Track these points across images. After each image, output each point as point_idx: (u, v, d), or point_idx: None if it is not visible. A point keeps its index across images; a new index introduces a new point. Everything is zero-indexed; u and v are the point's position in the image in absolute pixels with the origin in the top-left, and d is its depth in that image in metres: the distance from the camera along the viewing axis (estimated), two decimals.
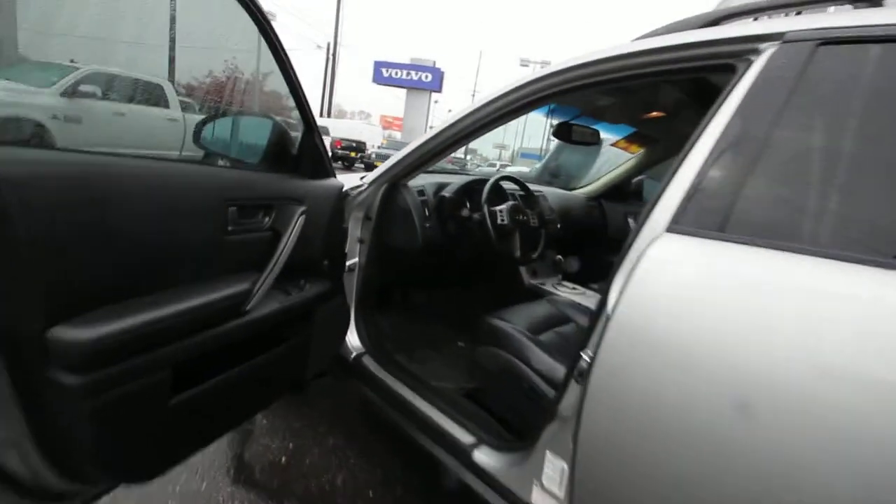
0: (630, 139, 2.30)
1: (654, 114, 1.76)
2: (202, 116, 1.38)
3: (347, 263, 1.68)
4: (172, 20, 1.82)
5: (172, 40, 1.98)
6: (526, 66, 25.65)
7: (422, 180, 1.78)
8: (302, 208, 1.23)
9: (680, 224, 0.83)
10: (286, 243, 1.18)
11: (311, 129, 1.30)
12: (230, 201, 1.04)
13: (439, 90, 24.32)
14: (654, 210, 0.85)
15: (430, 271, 1.98)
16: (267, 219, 1.18)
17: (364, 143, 16.45)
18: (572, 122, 1.93)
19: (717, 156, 0.86)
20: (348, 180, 1.69)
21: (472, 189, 1.87)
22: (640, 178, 2.58)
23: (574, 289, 2.02)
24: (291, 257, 1.20)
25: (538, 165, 8.36)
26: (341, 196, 1.49)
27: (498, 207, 1.71)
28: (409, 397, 1.52)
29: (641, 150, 2.38)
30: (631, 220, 2.54)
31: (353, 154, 15.53)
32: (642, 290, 0.79)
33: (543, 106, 1.34)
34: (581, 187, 2.76)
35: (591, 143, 2.03)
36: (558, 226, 2.20)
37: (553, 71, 1.21)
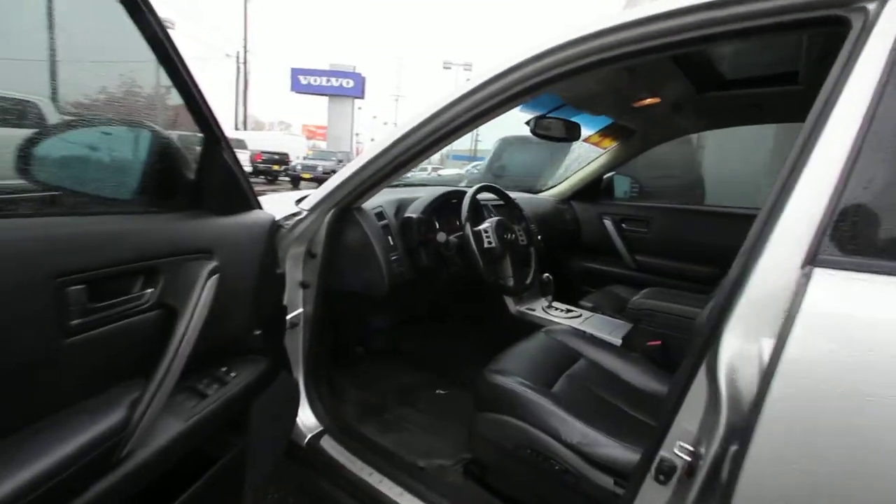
0: (604, 133, 2.04)
1: (648, 100, 1.49)
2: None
3: (288, 317, 1.24)
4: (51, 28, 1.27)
5: (53, 51, 1.40)
6: (448, 68, 25.72)
7: (377, 198, 1.38)
8: (211, 264, 0.79)
9: (830, 254, 0.59)
10: (188, 324, 0.74)
11: (218, 143, 0.86)
12: (68, 276, 0.58)
13: (362, 96, 23.67)
14: (773, 236, 0.64)
15: (398, 313, 1.57)
16: (150, 290, 0.72)
17: (287, 155, 15.45)
18: (550, 115, 1.62)
19: (871, 149, 0.58)
20: (279, 205, 1.25)
21: (442, 205, 1.49)
22: (609, 174, 2.35)
23: (569, 311, 1.71)
24: (202, 340, 0.76)
25: (479, 167, 8.15)
26: (272, 233, 1.05)
27: (482, 227, 1.35)
28: (386, 490, 1.12)
29: (613, 145, 2.14)
30: (608, 222, 2.30)
31: (275, 167, 14.50)
32: (815, 359, 0.55)
33: (537, 95, 0.99)
34: (547, 189, 2.48)
35: (571, 140, 1.74)
36: (539, 237, 1.89)
37: (565, 42, 0.87)
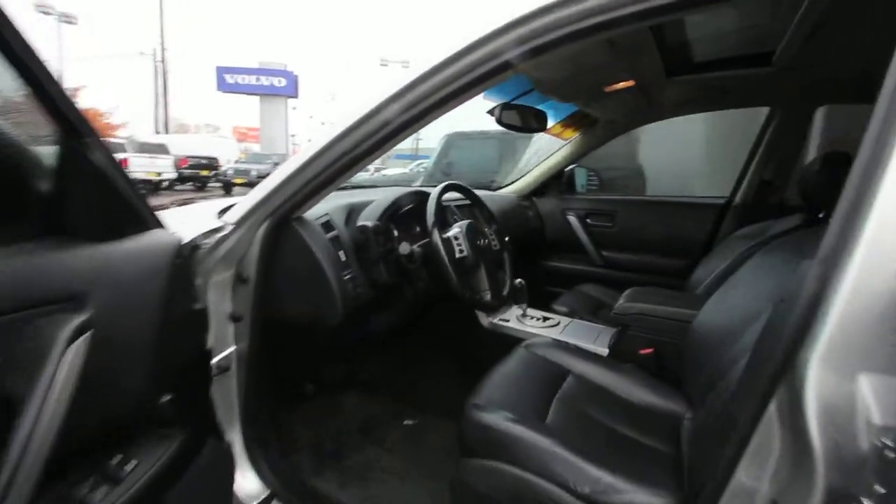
0: (566, 123, 1.91)
1: (621, 84, 1.36)
2: None
3: (216, 361, 0.98)
4: None
5: None
6: (385, 65, 25.21)
7: (322, 205, 1.14)
8: (77, 319, 0.53)
9: None
10: (39, 415, 0.48)
11: (80, 139, 0.59)
12: None
13: (295, 95, 22.63)
14: (862, 239, 0.49)
15: (356, 338, 1.34)
16: None
17: (216, 159, 14.42)
18: (517, 102, 1.45)
19: None
20: (195, 220, 0.99)
21: (401, 209, 1.27)
22: (570, 167, 2.23)
23: (545, 319, 1.55)
24: (72, 431, 0.50)
25: (424, 165, 7.92)
26: (182, 256, 0.79)
27: (451, 233, 1.14)
28: None
29: (575, 135, 2.01)
30: (572, 218, 2.18)
31: (204, 172, 13.46)
32: None
33: (503, 78, 0.80)
34: (506, 185, 2.32)
35: (538, 130, 1.58)
36: (507, 239, 1.72)
37: (535, 10, 0.69)
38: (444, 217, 1.34)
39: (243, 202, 0.96)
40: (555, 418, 1.04)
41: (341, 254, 1.06)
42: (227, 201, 1.13)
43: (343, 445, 1.43)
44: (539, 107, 1.53)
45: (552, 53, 0.73)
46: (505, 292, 1.29)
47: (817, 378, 0.49)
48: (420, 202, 1.32)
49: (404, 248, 1.13)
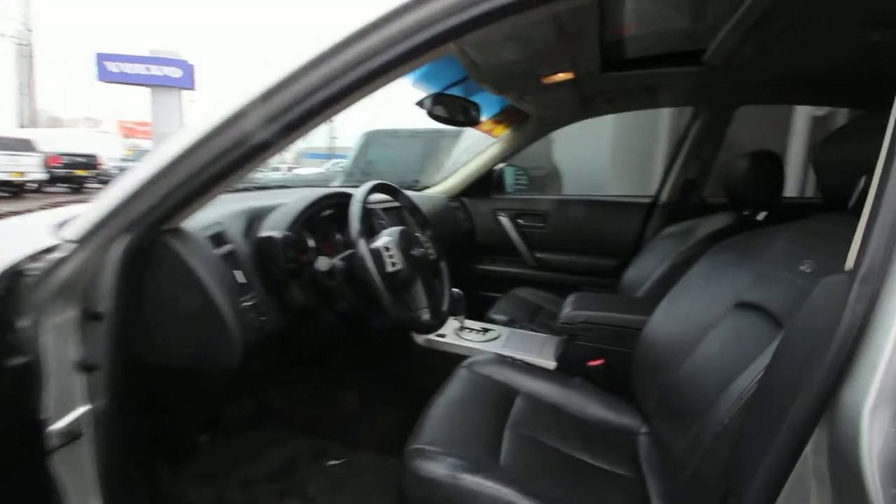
0: (497, 119, 1.80)
1: (560, 75, 1.26)
2: None
3: (58, 427, 0.71)
4: None
5: None
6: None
7: (212, 211, 0.89)
8: None
9: None
10: None
11: None
12: None
13: (192, 87, 20.60)
14: None
15: (262, 372, 1.09)
16: None
17: (95, 157, 12.63)
18: (448, 92, 1.29)
19: None
20: (20, 236, 0.71)
21: (317, 214, 1.06)
22: (500, 166, 2.13)
23: (484, 331, 1.42)
24: None
25: (341, 165, 7.50)
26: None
27: (380, 242, 0.95)
28: None
29: (506, 132, 1.91)
30: (504, 219, 2.08)
31: (80, 172, 11.72)
32: None
33: (438, 54, 0.64)
34: (433, 185, 2.17)
35: (470, 124, 1.43)
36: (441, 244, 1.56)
37: None
38: (371, 223, 1.14)
39: (88, 211, 0.69)
40: (509, 454, 0.90)
41: (238, 274, 0.82)
42: (70, 211, 0.84)
43: (253, 499, 1.18)
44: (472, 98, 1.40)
45: (494, 38, 0.57)
46: (445, 307, 1.13)
47: (877, 424, 0.39)
48: (340, 206, 1.11)
49: (322, 263, 0.92)
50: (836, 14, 0.92)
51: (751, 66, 1.26)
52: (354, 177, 4.77)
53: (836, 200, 0.83)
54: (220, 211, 0.90)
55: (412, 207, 1.21)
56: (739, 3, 0.99)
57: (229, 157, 0.66)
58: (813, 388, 0.43)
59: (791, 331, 0.55)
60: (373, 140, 4.86)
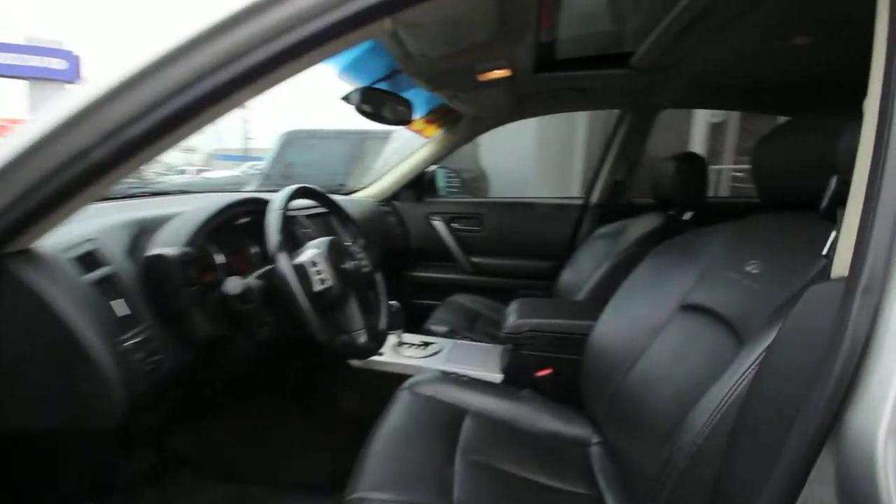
0: (429, 118, 1.70)
1: (496, 72, 1.19)
2: None
3: None
4: None
5: None
6: None
7: (79, 226, 0.69)
8: None
9: None
10: None
11: None
12: None
13: (77, 80, 18.25)
14: None
15: (161, 418, 0.90)
16: None
17: None
18: (377, 87, 1.17)
19: None
20: None
21: (225, 224, 0.89)
22: (431, 168, 2.05)
23: (424, 345, 1.32)
24: None
25: (258, 167, 6.97)
26: None
27: (305, 256, 0.81)
28: None
29: (438, 133, 1.83)
30: (437, 223, 1.99)
31: None
32: None
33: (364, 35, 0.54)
34: (362, 189, 2.02)
35: (402, 122, 1.33)
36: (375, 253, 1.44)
37: None
38: (293, 233, 0.99)
39: None
40: (463, 488, 0.81)
41: (119, 304, 0.64)
42: None
43: None
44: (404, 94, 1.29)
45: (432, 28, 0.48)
46: (383, 326, 1.01)
47: (893, 450, 0.34)
48: (256, 214, 0.95)
49: (233, 284, 0.76)
50: (761, 20, 0.95)
51: (676, 69, 1.30)
52: (273, 180, 4.44)
53: (774, 201, 0.85)
54: (92, 225, 0.71)
55: (341, 214, 1.08)
56: (670, 8, 0.99)
57: (96, 154, 0.50)
58: (815, 411, 0.39)
59: (777, 344, 0.51)
60: (293, 140, 4.55)
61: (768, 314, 0.63)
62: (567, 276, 1.73)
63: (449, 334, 1.46)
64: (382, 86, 1.20)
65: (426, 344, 1.33)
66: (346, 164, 4.21)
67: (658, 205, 1.53)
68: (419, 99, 1.52)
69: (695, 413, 0.61)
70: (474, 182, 4.18)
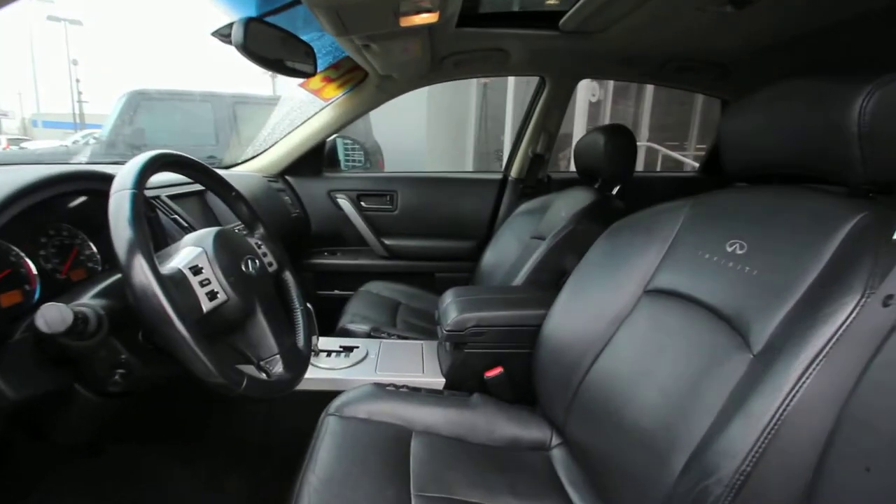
0: (330, 76, 1.41)
1: (422, 16, 0.97)
2: None
3: None
4: None
5: None
6: (57, 21, 17.16)
7: None
8: None
9: None
10: None
11: None
12: None
13: None
14: None
15: None
16: None
17: None
18: (268, 21, 0.88)
19: None
20: None
21: (43, 211, 0.56)
22: (332, 138, 1.75)
23: (348, 350, 1.09)
24: None
25: (98, 136, 5.64)
26: None
27: (183, 261, 0.52)
28: None
29: (339, 94, 1.54)
30: (343, 201, 1.72)
31: None
32: None
33: None
34: (244, 161, 1.66)
35: (302, 73, 1.05)
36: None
37: None
38: (156, 225, 0.68)
39: None
40: None
41: None
42: None
43: None
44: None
45: None
46: (301, 342, 0.76)
47: None
48: (92, 196, 0.63)
49: (53, 315, 0.45)
50: None
51: (603, 35, 1.22)
52: (117, 149, 3.62)
53: (747, 174, 0.80)
54: None
55: (227, 191, 0.77)
56: None
57: None
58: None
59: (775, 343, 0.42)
60: (142, 102, 3.74)
61: (787, 308, 0.56)
62: (490, 257, 1.62)
63: (373, 333, 1.25)
64: (274, 21, 0.91)
65: (347, 349, 1.11)
66: (217, 133, 3.60)
67: (581, 180, 1.47)
68: (317, 50, 1.24)
69: (726, 433, 0.51)
70: (368, 156, 3.90)
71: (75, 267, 0.67)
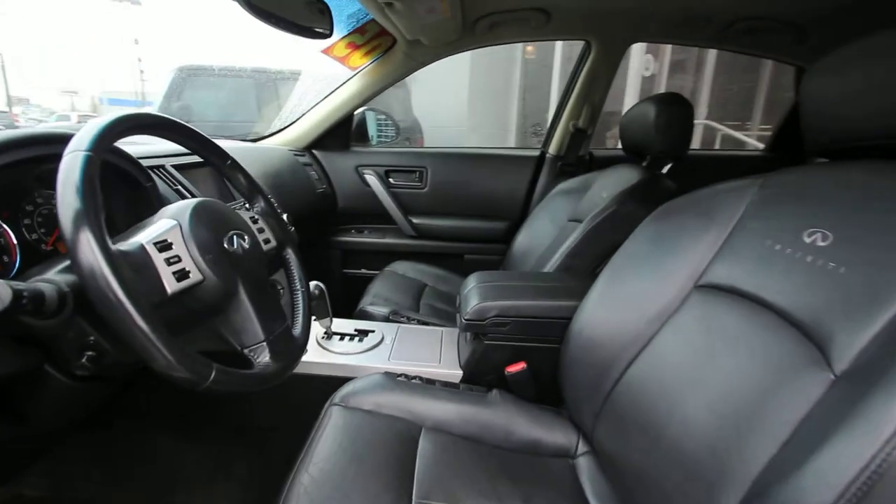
0: (356, 41, 1.32)
1: None
2: None
3: None
4: None
5: None
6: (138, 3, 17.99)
7: None
8: None
9: None
10: None
11: None
12: None
13: None
14: None
15: None
16: None
17: None
18: None
19: None
20: None
21: (11, 175, 0.51)
22: (361, 110, 1.68)
23: (362, 334, 1.03)
24: None
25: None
26: None
27: (150, 235, 0.46)
28: None
29: (367, 63, 1.45)
30: (370, 177, 1.65)
31: None
32: None
33: None
34: (271, 134, 1.62)
35: (313, 33, 0.96)
36: (285, 217, 1.10)
37: None
38: (152, 198, 0.63)
39: None
40: None
41: None
42: None
43: None
44: None
45: None
46: (299, 329, 0.70)
47: None
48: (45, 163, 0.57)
49: (5, 290, 0.40)
50: None
51: None
52: None
53: (834, 147, 0.64)
54: None
55: (222, 161, 0.69)
56: None
57: None
58: None
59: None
60: (188, 79, 3.81)
61: (884, 319, 0.43)
62: (523, 239, 1.50)
63: (391, 317, 1.18)
64: None
65: (362, 333, 1.04)
66: (259, 109, 3.62)
67: (628, 157, 1.32)
68: (338, 13, 1.15)
69: (801, 476, 0.40)
70: (403, 134, 3.82)
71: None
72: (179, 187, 0.82)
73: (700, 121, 4.61)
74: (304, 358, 0.95)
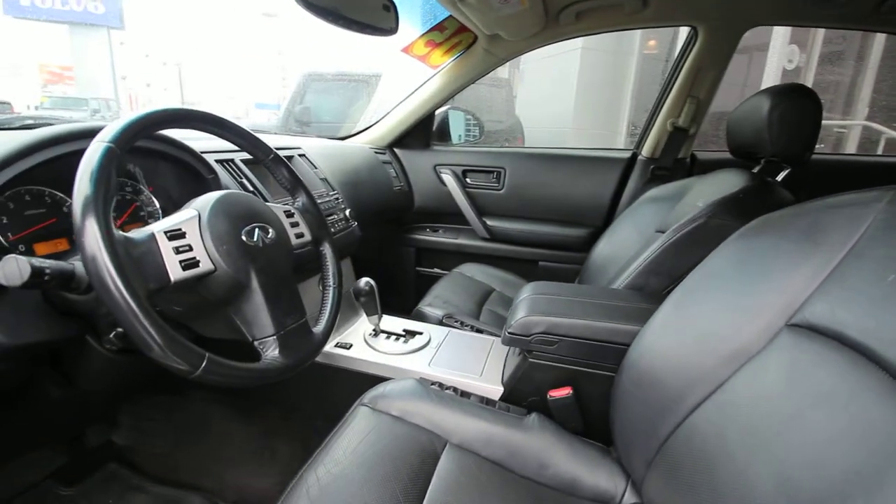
0: (435, 39, 1.31)
1: None
2: None
3: None
4: None
5: None
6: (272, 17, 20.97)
7: None
8: None
9: None
10: None
11: None
12: None
13: (120, 26, 18.22)
14: None
15: None
16: None
17: (9, 105, 10.98)
18: None
19: None
20: None
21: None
22: (443, 109, 1.67)
23: (409, 335, 1.01)
24: None
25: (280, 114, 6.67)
26: None
27: (165, 224, 0.49)
28: None
29: (448, 60, 1.44)
30: (447, 176, 1.64)
31: None
32: None
33: None
34: (356, 133, 1.68)
35: (377, 29, 0.96)
36: (347, 210, 1.13)
37: None
38: (170, 185, 0.67)
39: None
40: None
41: None
42: None
43: None
44: None
45: None
46: (321, 327, 0.70)
47: None
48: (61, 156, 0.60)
49: (8, 270, 0.43)
50: None
51: None
52: (288, 126, 4.14)
53: None
54: None
55: (265, 154, 0.70)
56: None
57: None
58: None
59: None
60: (310, 83, 4.21)
61: None
62: (603, 249, 1.36)
63: (445, 321, 1.15)
64: None
65: (409, 334, 1.03)
66: (363, 110, 3.86)
67: (737, 161, 1.11)
68: (415, 11, 1.14)
69: None
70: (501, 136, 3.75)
71: (132, 221, 0.70)
72: (244, 180, 0.87)
73: (858, 121, 3.81)
74: (350, 353, 0.97)
